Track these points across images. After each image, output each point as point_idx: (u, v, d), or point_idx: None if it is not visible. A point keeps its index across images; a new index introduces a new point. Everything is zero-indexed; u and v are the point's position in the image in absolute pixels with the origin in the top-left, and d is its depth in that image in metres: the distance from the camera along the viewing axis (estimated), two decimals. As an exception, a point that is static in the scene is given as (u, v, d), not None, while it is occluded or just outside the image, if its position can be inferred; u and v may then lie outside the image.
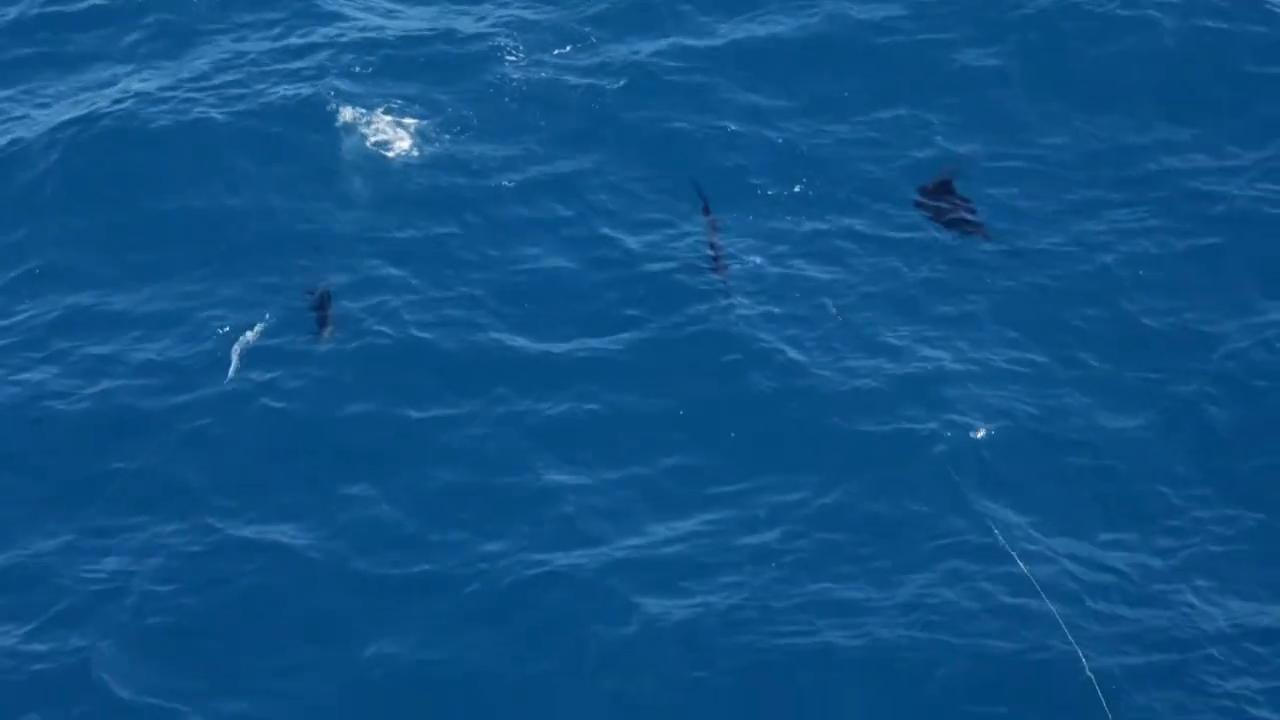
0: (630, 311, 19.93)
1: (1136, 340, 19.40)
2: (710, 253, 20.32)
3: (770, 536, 17.65)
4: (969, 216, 20.43)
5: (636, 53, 23.00)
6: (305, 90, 22.72)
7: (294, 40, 23.62)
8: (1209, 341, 19.32)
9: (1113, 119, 21.85)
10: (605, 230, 20.87)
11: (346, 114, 22.32)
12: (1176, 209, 20.73)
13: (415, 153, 21.85)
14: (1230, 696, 16.38)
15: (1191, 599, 17.05)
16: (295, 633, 17.15)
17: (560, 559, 17.54)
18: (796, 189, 21.10)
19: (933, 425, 18.49)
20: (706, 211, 20.66)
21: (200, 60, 23.57)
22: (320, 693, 16.72)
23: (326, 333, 19.56)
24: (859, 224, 20.73)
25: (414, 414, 18.94)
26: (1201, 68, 22.38)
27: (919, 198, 20.79)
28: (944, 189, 20.70)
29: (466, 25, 23.74)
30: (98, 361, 19.69)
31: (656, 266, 20.39)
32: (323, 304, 19.88)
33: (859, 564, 17.44)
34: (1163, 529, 17.65)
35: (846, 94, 22.35)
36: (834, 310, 19.58)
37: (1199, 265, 20.15)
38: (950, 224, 20.49)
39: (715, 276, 20.05)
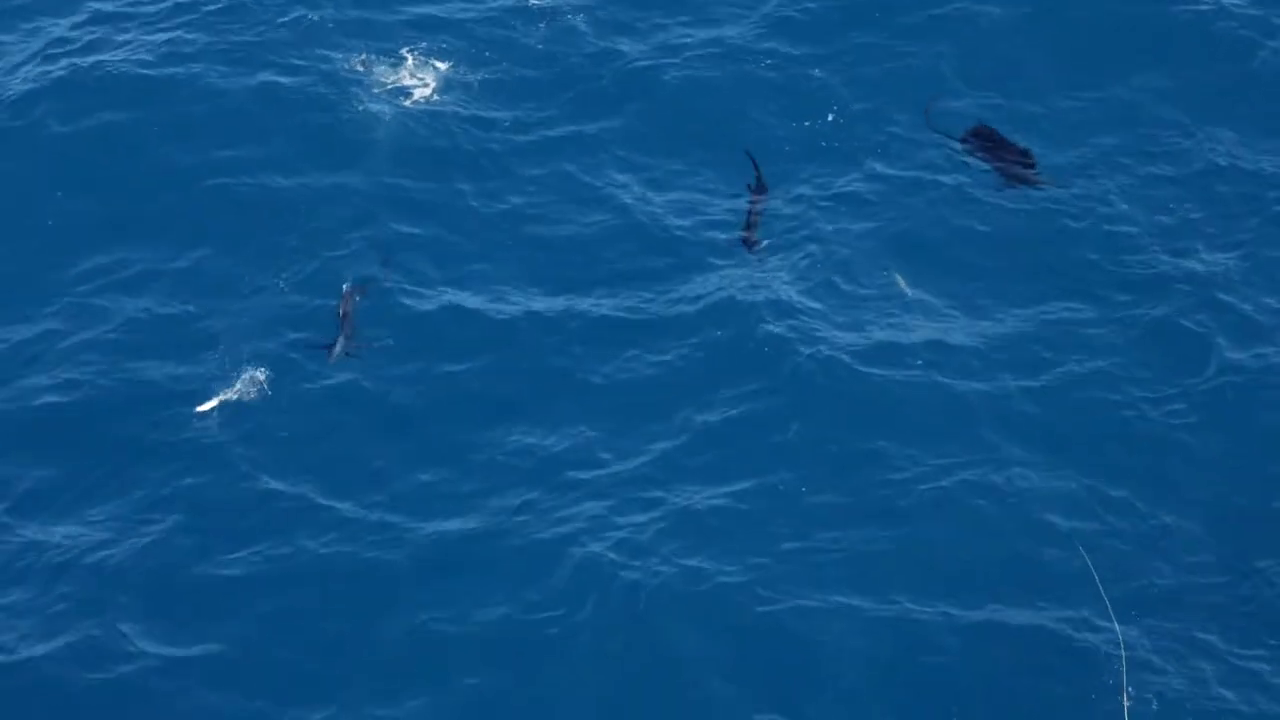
0: (656, 262, 19.67)
1: (1149, 284, 19.47)
2: (750, 216, 20.12)
3: (790, 483, 17.65)
4: (1019, 164, 20.46)
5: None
6: (315, 29, 22.03)
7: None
8: (1217, 281, 19.42)
9: (1120, 67, 21.83)
10: (633, 185, 20.49)
11: (360, 60, 21.59)
12: (1180, 155, 20.80)
13: (437, 98, 21.25)
14: (1238, 631, 16.60)
15: (1200, 533, 17.25)
16: (328, 586, 16.97)
17: (587, 508, 17.48)
18: (821, 140, 20.90)
19: (948, 367, 18.57)
20: (758, 185, 20.38)
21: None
22: (348, 645, 16.60)
23: (339, 346, 18.73)
24: (882, 167, 20.63)
25: (442, 369, 18.65)
26: (1203, 11, 22.35)
27: (950, 143, 20.76)
28: (982, 135, 20.70)
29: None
30: (111, 316, 19.22)
31: (684, 221, 20.09)
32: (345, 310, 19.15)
33: (876, 507, 17.47)
34: (1174, 466, 17.83)
35: (868, 39, 22.17)
36: (903, 285, 19.48)
37: (1206, 210, 20.22)
38: (995, 171, 20.52)
39: (748, 237, 19.94)
